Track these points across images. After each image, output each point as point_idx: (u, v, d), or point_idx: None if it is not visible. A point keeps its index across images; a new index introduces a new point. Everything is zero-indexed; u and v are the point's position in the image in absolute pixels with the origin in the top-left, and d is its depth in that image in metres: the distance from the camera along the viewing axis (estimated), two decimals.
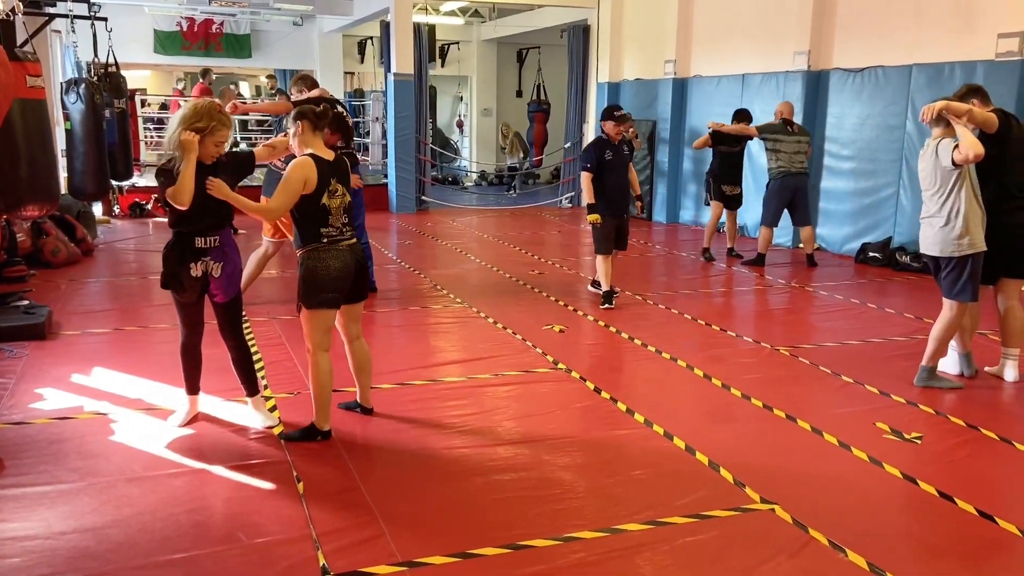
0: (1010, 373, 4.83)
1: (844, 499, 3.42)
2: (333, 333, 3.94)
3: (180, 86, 16.46)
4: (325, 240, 3.80)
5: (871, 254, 8.74)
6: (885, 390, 4.69)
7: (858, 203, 9.16)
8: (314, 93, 6.32)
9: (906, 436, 4.04)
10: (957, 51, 7.89)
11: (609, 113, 6.77)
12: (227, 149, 3.88)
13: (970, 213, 4.44)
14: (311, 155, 3.78)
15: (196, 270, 3.80)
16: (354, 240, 3.97)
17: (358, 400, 4.25)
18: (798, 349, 5.53)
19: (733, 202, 9.07)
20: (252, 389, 4.11)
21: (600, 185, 6.60)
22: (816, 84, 9.54)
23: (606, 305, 6.63)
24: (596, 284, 7.06)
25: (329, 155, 3.87)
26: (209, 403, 4.22)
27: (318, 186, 3.74)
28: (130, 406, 4.26)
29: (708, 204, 9.31)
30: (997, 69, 7.41)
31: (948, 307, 4.64)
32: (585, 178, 6.63)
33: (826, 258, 9.03)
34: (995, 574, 2.85)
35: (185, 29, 16.05)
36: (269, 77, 18.91)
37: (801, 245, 8.98)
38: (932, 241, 4.59)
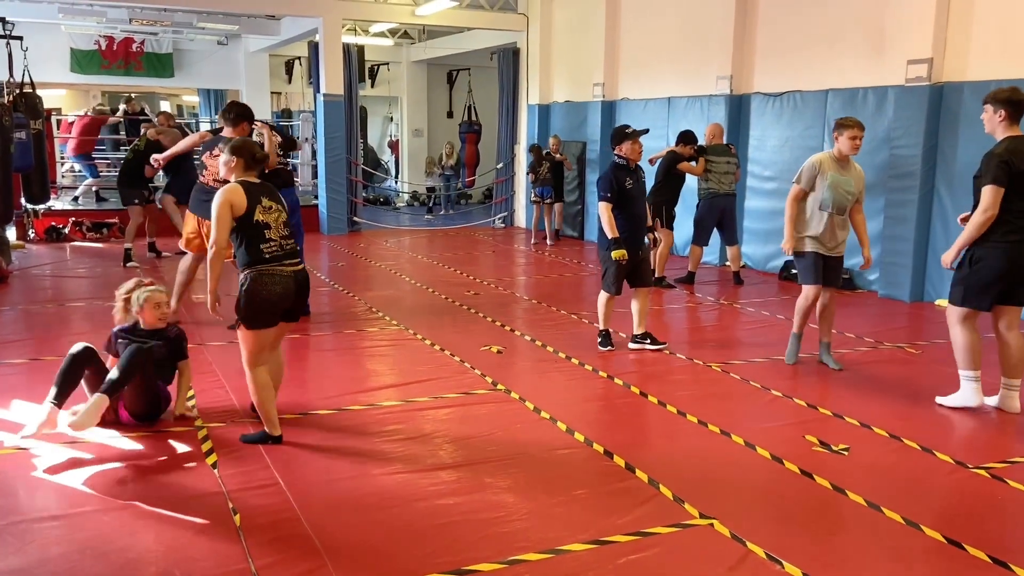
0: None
1: (779, 511, 3.52)
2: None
3: (81, 112, 15.93)
4: (267, 256, 3.94)
5: (793, 271, 9.03)
6: (812, 403, 4.86)
7: (780, 222, 9.37)
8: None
9: (834, 448, 4.18)
10: (869, 77, 8.29)
11: (621, 134, 5.95)
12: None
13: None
14: (239, 181, 3.99)
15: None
16: (299, 265, 4.10)
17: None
18: (729, 365, 5.68)
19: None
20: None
21: (619, 217, 5.83)
22: (739, 107, 9.87)
23: (607, 347, 6.02)
24: (642, 338, 6.13)
25: (255, 179, 4.08)
26: (134, 435, 4.08)
27: (248, 205, 3.90)
28: (52, 440, 4.08)
29: (656, 230, 8.44)
30: (907, 94, 7.81)
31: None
32: (605, 209, 5.78)
33: (751, 276, 9.30)
34: None
35: (104, 48, 15.61)
36: (162, 113, 18.43)
37: (728, 263, 9.24)
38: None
